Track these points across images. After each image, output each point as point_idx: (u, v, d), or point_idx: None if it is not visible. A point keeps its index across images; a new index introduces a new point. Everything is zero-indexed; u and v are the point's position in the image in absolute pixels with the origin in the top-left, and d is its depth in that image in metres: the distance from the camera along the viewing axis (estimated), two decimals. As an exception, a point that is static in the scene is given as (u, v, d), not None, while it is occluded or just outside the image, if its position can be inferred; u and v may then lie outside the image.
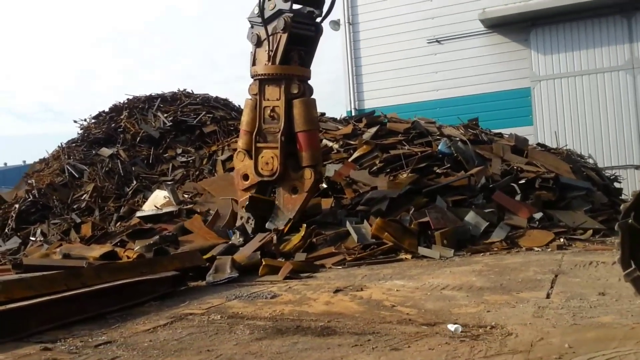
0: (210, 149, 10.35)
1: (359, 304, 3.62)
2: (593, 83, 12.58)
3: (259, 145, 6.33)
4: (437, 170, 7.33)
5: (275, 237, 5.93)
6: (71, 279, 3.81)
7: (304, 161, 6.23)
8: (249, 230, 6.21)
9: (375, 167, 7.49)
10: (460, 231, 5.90)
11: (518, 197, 6.71)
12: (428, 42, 13.84)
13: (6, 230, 9.04)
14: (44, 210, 9.45)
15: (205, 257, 5.23)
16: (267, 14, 6.16)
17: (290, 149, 6.29)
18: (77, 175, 10.22)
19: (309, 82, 6.45)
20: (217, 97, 12.46)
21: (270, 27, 6.16)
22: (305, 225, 5.95)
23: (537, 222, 6.23)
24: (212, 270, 4.89)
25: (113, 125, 11.55)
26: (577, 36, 12.72)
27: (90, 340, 3.11)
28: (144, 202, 8.62)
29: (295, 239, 5.82)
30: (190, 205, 7.60)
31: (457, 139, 8.03)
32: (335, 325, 3.14)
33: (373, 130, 8.44)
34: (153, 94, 12.18)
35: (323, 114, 9.90)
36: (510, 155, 7.93)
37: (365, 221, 6.16)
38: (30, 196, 9.69)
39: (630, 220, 2.47)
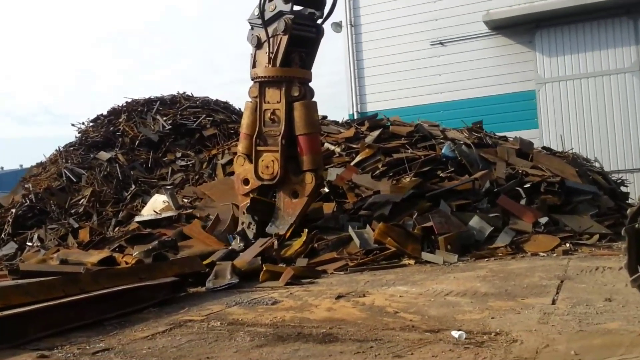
0: (210, 152, 10.36)
1: (361, 310, 3.62)
2: (599, 85, 12.58)
3: (259, 148, 6.33)
4: (441, 174, 7.33)
5: (276, 243, 5.93)
6: (69, 285, 3.82)
7: (304, 165, 6.23)
8: (250, 235, 6.20)
9: (377, 171, 7.49)
10: (464, 236, 5.90)
11: (523, 202, 6.70)
12: (431, 44, 13.86)
13: (2, 236, 9.05)
14: (41, 215, 9.46)
15: (205, 262, 5.23)
16: (268, 15, 6.17)
17: (290, 153, 6.29)
18: (74, 180, 10.23)
19: (310, 84, 6.45)
20: (217, 100, 12.48)
21: (270, 29, 6.17)
22: (306, 230, 5.95)
23: (542, 227, 6.22)
24: (211, 276, 4.88)
25: (111, 128, 11.57)
26: (582, 38, 12.73)
27: (87, 347, 3.11)
28: (143, 206, 8.63)
29: (297, 244, 5.82)
30: (190, 210, 7.60)
31: (461, 142, 8.04)
32: (337, 332, 3.13)
33: (375, 133, 8.44)
34: (152, 97, 12.20)
35: (325, 117, 9.91)
36: (515, 158, 7.93)
37: (367, 226, 6.15)
38: (27, 201, 9.71)
39: (637, 225, 2.47)
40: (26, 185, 10.55)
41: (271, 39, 6.19)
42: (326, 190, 7.16)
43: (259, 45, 6.34)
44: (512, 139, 9.27)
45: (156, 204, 8.06)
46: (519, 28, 13.15)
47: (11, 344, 3.14)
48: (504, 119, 12.61)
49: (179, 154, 10.70)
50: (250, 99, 6.46)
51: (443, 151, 7.66)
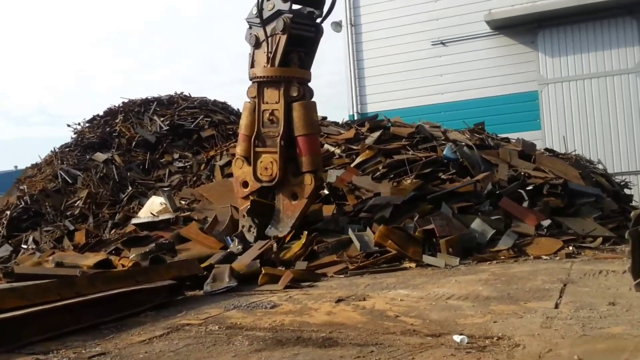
0: (208, 153, 10.36)
1: (361, 314, 3.62)
2: (602, 86, 12.60)
3: (257, 149, 6.34)
4: (442, 176, 7.33)
5: (275, 245, 5.93)
6: (64, 288, 3.81)
7: (304, 166, 6.23)
8: (251, 239, 6.20)
9: (378, 173, 7.50)
10: (466, 239, 5.90)
11: (525, 204, 6.70)
12: (432, 44, 13.87)
13: (-3, 238, 9.04)
14: (36, 217, 9.46)
15: (203, 265, 5.23)
16: (266, 14, 6.17)
17: (289, 154, 6.29)
18: (70, 181, 10.23)
19: (309, 84, 6.46)
20: (215, 101, 12.48)
21: (269, 28, 6.17)
22: (306, 232, 5.95)
23: (545, 230, 6.23)
24: (210, 279, 4.89)
25: (108, 129, 11.56)
26: (585, 38, 12.74)
27: (83, 351, 3.11)
28: (140, 208, 8.63)
29: (296, 246, 5.82)
30: (188, 213, 7.60)
31: (463, 143, 8.04)
32: (337, 336, 3.13)
33: (376, 134, 8.45)
34: (149, 97, 12.20)
35: (324, 118, 9.91)
36: (517, 160, 7.93)
37: (368, 228, 6.16)
38: (22, 202, 9.70)
39: (641, 228, 2.47)
40: (21, 187, 10.55)
41: (270, 39, 6.19)
42: (326, 192, 7.16)
43: (257, 44, 6.34)
44: (514, 141, 9.28)
45: (153, 206, 8.06)
46: (521, 28, 13.17)
47: (6, 348, 3.14)
48: (506, 120, 12.62)
49: (176, 155, 10.70)
50: (248, 100, 6.46)
51: (444, 153, 7.66)
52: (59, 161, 10.91)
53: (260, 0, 6.18)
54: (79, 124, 12.25)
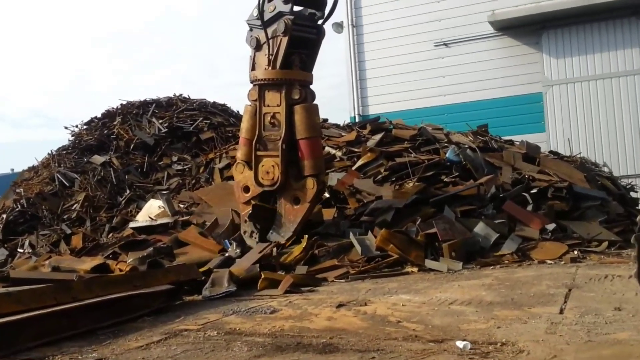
0: (207, 156, 10.37)
1: (362, 319, 3.62)
2: (608, 88, 12.60)
3: (259, 153, 6.33)
4: (445, 179, 7.33)
5: (275, 249, 5.93)
6: (61, 293, 3.81)
7: (306, 170, 6.23)
8: (253, 244, 6.20)
9: (380, 176, 7.50)
10: (469, 243, 5.90)
11: (530, 208, 6.70)
12: (435, 45, 13.89)
13: (-7, 242, 9.05)
14: (33, 221, 9.48)
15: (201, 270, 5.23)
16: (267, 16, 6.18)
17: (291, 157, 6.29)
18: (67, 184, 10.25)
19: (311, 87, 6.47)
20: (214, 103, 12.51)
21: (270, 30, 6.18)
22: (306, 236, 5.95)
23: (549, 234, 6.22)
24: (208, 284, 4.88)
25: (105, 131, 11.59)
26: (590, 39, 12.76)
27: (80, 357, 3.11)
28: (138, 212, 8.64)
29: (296, 250, 5.82)
30: (187, 217, 7.60)
31: (466, 146, 8.04)
32: (337, 342, 3.13)
33: (378, 137, 8.45)
34: (148, 99, 12.23)
35: (325, 120, 9.92)
36: (521, 163, 7.93)
37: (369, 232, 6.15)
38: (19, 206, 9.72)
39: (647, 232, 2.47)
40: (17, 190, 10.57)
41: (271, 41, 6.20)
42: (327, 195, 7.16)
43: (258, 47, 6.35)
44: (518, 143, 9.28)
45: (151, 210, 8.06)
46: (525, 29, 13.18)
47: (1, 354, 3.14)
48: (510, 122, 12.62)
49: (175, 158, 10.72)
50: (249, 103, 6.47)
51: (447, 155, 7.66)
52: (56, 164, 10.94)
53: (261, 2, 6.19)
54: (77, 126, 12.30)
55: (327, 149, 8.52)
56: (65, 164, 10.89)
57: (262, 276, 5.05)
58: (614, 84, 12.57)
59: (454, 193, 6.89)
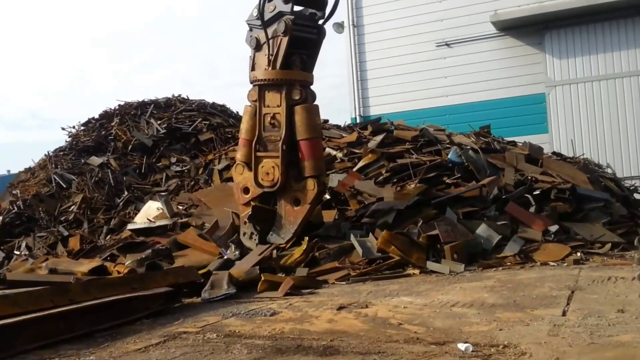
0: (206, 157, 10.38)
1: (363, 321, 3.62)
2: (611, 88, 12.61)
3: (259, 154, 6.34)
4: (447, 181, 7.34)
5: (275, 251, 5.93)
6: (58, 296, 3.82)
7: (306, 171, 6.23)
8: (253, 246, 6.20)
9: (381, 177, 7.50)
10: (471, 245, 5.90)
11: (532, 209, 6.71)
12: (437, 46, 13.90)
13: (-11, 244, 9.06)
14: (30, 223, 9.49)
15: (200, 272, 5.24)
16: (267, 16, 6.18)
17: (291, 158, 6.30)
18: (64, 186, 10.25)
19: (312, 87, 6.48)
20: (213, 103, 12.52)
21: (270, 30, 6.19)
22: (307, 238, 5.96)
23: (552, 235, 6.22)
24: (207, 286, 4.89)
25: (103, 132, 11.61)
26: (594, 39, 12.76)
27: None
28: (136, 214, 8.65)
29: (297, 252, 5.83)
30: (185, 219, 7.61)
31: (468, 147, 8.05)
32: (338, 345, 3.14)
33: (379, 138, 8.46)
34: (146, 100, 12.25)
35: (326, 121, 9.94)
36: (524, 164, 7.94)
37: (370, 234, 6.16)
38: (15, 207, 9.73)
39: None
40: (14, 192, 10.58)
41: (271, 41, 6.21)
42: (328, 197, 7.16)
43: (258, 47, 6.36)
44: (521, 144, 9.29)
45: (150, 211, 8.07)
46: (528, 29, 13.20)
47: (-2, 357, 3.14)
48: (512, 123, 12.64)
49: (173, 159, 10.73)
50: (249, 103, 6.47)
51: (449, 156, 7.67)
52: (53, 165, 10.95)
53: (261, 2, 6.19)
54: (74, 127, 12.33)
55: (327, 150, 8.53)
56: (62, 165, 10.90)
57: (262, 278, 5.06)
58: (618, 85, 12.58)
59: (456, 194, 6.89)
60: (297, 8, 6.29)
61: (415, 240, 5.85)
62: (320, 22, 6.41)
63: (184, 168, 10.40)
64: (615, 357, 2.64)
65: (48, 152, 11.83)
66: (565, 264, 5.50)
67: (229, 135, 10.91)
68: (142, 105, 12.04)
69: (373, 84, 14.59)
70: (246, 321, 3.82)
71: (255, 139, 6.34)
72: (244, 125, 6.53)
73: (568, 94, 12.91)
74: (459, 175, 7.40)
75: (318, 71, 6.52)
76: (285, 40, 6.12)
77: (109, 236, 8.26)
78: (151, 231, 7.47)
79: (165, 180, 10.20)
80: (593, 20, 12.72)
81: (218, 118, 11.72)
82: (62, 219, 9.29)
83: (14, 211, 9.67)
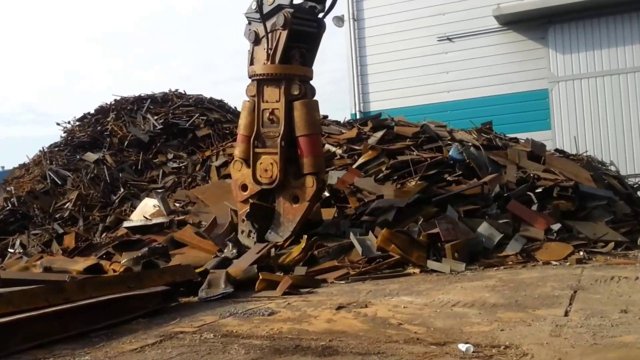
0: (203, 154, 10.38)
1: (363, 321, 3.63)
2: (615, 84, 12.61)
3: (257, 150, 6.33)
4: (448, 178, 7.34)
5: (273, 249, 5.93)
6: (53, 294, 3.82)
7: (305, 168, 6.23)
8: (251, 244, 6.20)
9: (381, 174, 7.50)
10: (472, 243, 5.91)
11: (535, 207, 6.71)
12: (438, 40, 13.89)
13: (-17, 241, 9.06)
14: (24, 220, 9.48)
15: (197, 270, 5.24)
16: (266, 9, 6.17)
17: (290, 155, 6.29)
18: (59, 182, 10.25)
19: (311, 82, 6.47)
20: (211, 98, 12.50)
21: (269, 24, 6.18)
22: (306, 236, 5.96)
23: (555, 234, 6.23)
24: (205, 285, 4.89)
25: (99, 128, 11.60)
26: (598, 34, 12.75)
27: (73, 360, 3.12)
28: (132, 211, 8.65)
29: (295, 251, 5.83)
30: (183, 216, 7.61)
31: (470, 144, 8.05)
32: (337, 345, 3.14)
33: (379, 134, 8.46)
34: (142, 95, 12.23)
35: (325, 117, 9.93)
36: (526, 161, 7.94)
37: (370, 232, 6.16)
38: (9, 204, 9.72)
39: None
40: (8, 188, 10.57)
41: (270, 34, 6.19)
42: (327, 194, 7.17)
43: (256, 41, 6.35)
44: (523, 141, 9.29)
45: (146, 209, 8.07)
46: (531, 23, 13.18)
47: (-8, 356, 3.15)
48: (514, 120, 12.63)
49: (170, 156, 10.72)
50: (247, 98, 6.47)
51: (450, 153, 7.67)
52: (48, 161, 10.94)
53: (260, -5, 6.18)
54: (69, 122, 12.32)
55: (327, 146, 8.53)
56: (57, 161, 10.89)
57: (260, 277, 5.06)
58: (622, 81, 12.58)
59: (457, 192, 6.90)
60: (296, 1, 6.28)
61: (416, 238, 5.85)
62: (320, 15, 6.40)
63: (181, 164, 10.39)
64: (619, 358, 2.64)
65: (43, 147, 11.82)
66: (568, 263, 5.50)
67: (227, 131, 10.90)
68: (139, 100, 12.03)
69: (373, 79, 14.57)
70: (244, 321, 3.82)
71: (253, 135, 6.33)
72: (242, 121, 6.52)
73: (571, 90, 12.91)
74: (460, 172, 7.41)
75: (317, 66, 6.52)
76: (284, 33, 6.11)
77: (104, 234, 8.26)
78: (147, 229, 7.47)
79: (162, 176, 10.19)
80: (597, 15, 12.71)
81: (216, 113, 11.70)
82: (57, 216, 9.29)
83: (8, 208, 9.66)
